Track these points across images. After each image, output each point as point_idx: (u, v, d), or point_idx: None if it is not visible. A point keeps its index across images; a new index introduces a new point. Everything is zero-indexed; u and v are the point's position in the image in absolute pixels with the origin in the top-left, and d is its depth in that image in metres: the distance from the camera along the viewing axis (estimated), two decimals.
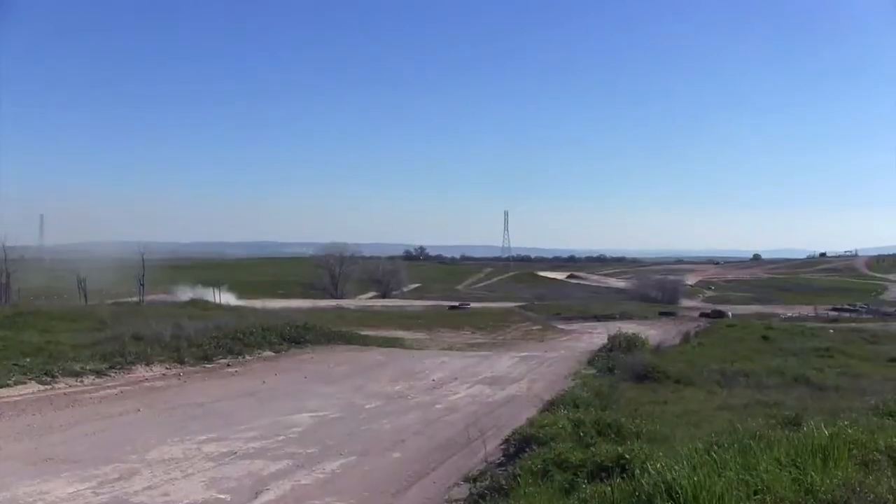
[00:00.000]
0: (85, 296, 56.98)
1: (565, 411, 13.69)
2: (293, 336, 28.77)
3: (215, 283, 72.52)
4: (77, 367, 18.89)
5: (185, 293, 69.66)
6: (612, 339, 32.16)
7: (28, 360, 18.92)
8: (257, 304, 62.22)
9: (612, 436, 10.87)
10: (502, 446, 12.58)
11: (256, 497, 9.71)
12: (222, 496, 9.70)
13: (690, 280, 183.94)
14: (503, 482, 9.19)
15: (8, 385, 16.81)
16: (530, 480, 8.84)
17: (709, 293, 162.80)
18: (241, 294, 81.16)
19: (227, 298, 67.31)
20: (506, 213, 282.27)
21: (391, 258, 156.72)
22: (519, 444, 11.81)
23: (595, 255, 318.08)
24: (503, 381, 22.16)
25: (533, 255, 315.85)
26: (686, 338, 39.43)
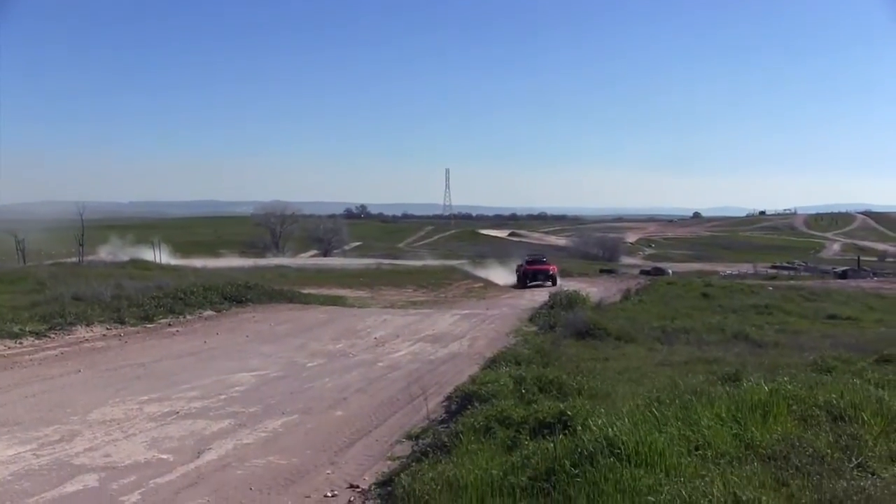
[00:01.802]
0: (23, 257, 56.20)
1: (507, 368, 13.77)
2: (234, 295, 28.39)
3: (152, 243, 71.66)
4: (16, 329, 18.54)
5: (120, 251, 68.75)
6: (553, 296, 32.29)
7: None
8: (197, 263, 61.72)
9: (554, 392, 10.91)
10: (444, 404, 12.62)
11: (199, 457, 9.64)
12: (164, 456, 9.63)
13: (631, 238, 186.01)
14: (446, 439, 9.18)
15: None
16: (473, 437, 8.85)
17: (649, 251, 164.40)
18: (179, 253, 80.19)
19: (163, 258, 66.63)
20: (447, 172, 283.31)
21: (332, 217, 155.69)
22: (461, 402, 11.83)
23: (536, 213, 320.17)
24: (445, 339, 22.17)
25: (474, 214, 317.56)
26: (627, 295, 39.64)
